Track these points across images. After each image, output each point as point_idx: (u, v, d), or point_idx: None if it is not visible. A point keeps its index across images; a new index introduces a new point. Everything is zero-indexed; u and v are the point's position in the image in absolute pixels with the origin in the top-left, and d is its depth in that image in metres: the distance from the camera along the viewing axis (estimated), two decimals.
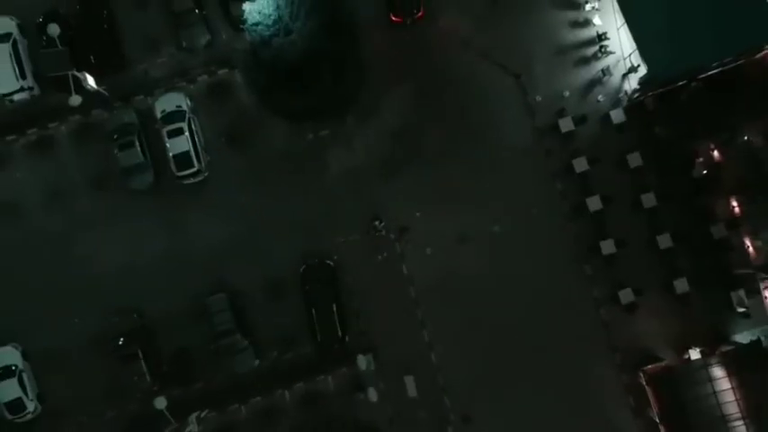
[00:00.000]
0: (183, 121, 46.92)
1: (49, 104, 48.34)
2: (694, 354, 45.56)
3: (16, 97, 47.67)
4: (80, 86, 44.80)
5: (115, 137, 47.28)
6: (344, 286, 47.50)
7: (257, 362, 47.10)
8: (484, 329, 46.69)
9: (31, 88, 47.90)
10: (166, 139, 46.89)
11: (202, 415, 45.49)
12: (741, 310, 45.90)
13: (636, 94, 47.15)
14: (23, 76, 47.45)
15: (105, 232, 47.91)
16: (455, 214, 47.40)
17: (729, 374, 43.93)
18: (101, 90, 46.42)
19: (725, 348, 45.54)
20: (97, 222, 48.01)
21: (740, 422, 43.61)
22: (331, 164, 48.23)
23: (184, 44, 48.37)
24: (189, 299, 47.22)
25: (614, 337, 46.74)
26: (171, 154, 46.90)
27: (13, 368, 46.21)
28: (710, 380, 43.98)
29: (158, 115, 47.45)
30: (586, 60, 48.03)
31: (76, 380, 47.12)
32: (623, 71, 47.63)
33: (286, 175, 47.98)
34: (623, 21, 45.35)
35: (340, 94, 42.85)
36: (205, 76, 48.87)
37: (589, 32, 48.03)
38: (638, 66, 45.87)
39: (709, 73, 45.61)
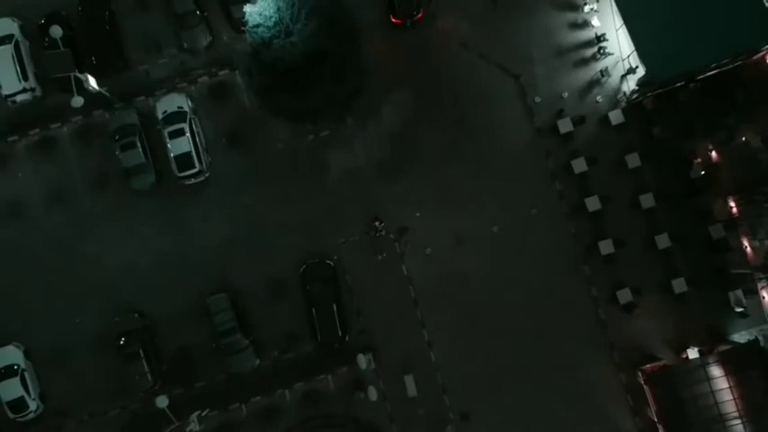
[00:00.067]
0: (185, 121, 47.12)
1: (51, 105, 48.67)
2: (692, 353, 45.73)
3: (18, 98, 47.92)
4: (82, 87, 44.94)
5: (117, 138, 47.47)
6: (345, 286, 47.73)
7: (258, 361, 47.31)
8: (483, 329, 46.94)
9: (33, 89, 48.16)
10: (168, 139, 47.09)
11: (204, 414, 45.68)
12: (739, 309, 46.07)
13: (634, 95, 47.32)
14: (26, 78, 47.71)
15: (107, 232, 48.13)
16: (455, 214, 47.60)
17: (727, 374, 44.14)
18: (102, 91, 46.56)
19: (723, 348, 45.72)
20: (99, 223, 48.21)
21: (738, 421, 43.84)
22: (331, 165, 48.44)
23: (186, 45, 48.56)
24: (190, 298, 47.45)
25: (612, 336, 46.91)
26: (172, 155, 47.10)
27: (16, 367, 46.44)
28: (708, 379, 44.19)
29: (160, 116, 47.63)
30: (585, 61, 48.19)
31: (78, 379, 47.37)
32: (622, 72, 47.81)
33: (287, 175, 48.21)
34: (622, 22, 45.59)
35: (340, 96, 42.90)
36: (206, 78, 49.07)
37: (588, 34, 48.20)
38: (637, 67, 46.08)
39: (708, 74, 45.76)
